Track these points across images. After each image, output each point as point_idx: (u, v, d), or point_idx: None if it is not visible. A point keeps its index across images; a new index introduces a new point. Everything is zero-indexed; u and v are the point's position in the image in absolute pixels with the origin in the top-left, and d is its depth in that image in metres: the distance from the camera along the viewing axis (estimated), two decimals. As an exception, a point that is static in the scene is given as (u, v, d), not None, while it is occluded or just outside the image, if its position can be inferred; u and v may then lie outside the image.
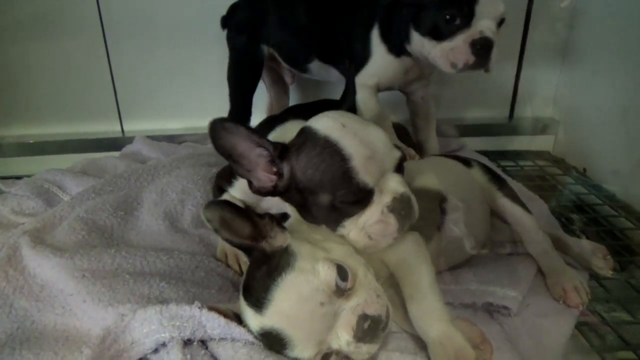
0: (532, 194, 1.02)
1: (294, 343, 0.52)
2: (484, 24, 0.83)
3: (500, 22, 0.86)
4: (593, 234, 0.94)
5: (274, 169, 0.63)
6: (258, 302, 0.53)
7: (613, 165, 1.12)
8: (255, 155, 0.62)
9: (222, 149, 0.60)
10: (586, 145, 1.22)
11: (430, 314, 0.59)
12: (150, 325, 0.55)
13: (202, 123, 1.26)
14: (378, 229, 0.61)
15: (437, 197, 0.74)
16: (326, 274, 0.53)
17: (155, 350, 0.55)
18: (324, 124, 0.62)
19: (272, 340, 0.54)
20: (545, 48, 1.28)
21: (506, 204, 0.80)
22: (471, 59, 0.84)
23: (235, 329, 0.55)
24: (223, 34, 1.19)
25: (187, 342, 0.55)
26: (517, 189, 0.98)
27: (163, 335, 0.54)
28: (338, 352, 0.54)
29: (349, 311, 0.53)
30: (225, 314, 0.56)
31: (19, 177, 1.14)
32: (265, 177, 0.63)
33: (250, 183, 0.64)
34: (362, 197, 0.60)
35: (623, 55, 1.10)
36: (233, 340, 0.55)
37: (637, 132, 1.04)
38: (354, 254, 0.59)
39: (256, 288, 0.54)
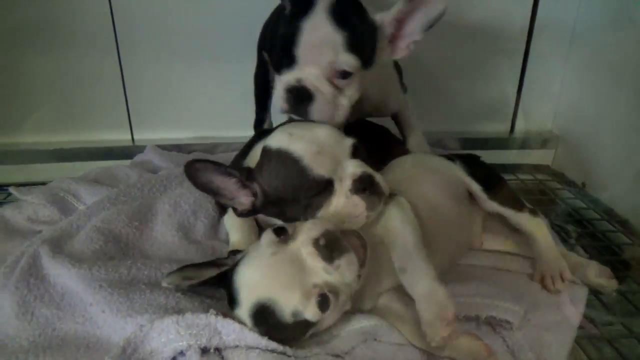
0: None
1: (276, 301, 0.56)
2: (302, 72, 0.72)
3: (346, 75, 0.73)
4: (591, 249, 0.97)
5: (247, 192, 0.70)
6: (235, 298, 0.60)
7: (612, 180, 1.14)
8: (231, 184, 0.69)
9: (202, 187, 0.69)
10: (585, 160, 1.25)
11: (416, 272, 0.63)
12: (168, 334, 0.58)
13: (210, 133, 1.32)
14: (347, 212, 0.67)
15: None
16: (266, 236, 0.60)
17: (173, 359, 0.58)
18: (276, 138, 0.69)
19: (262, 317, 0.58)
20: (546, 65, 1.32)
21: (496, 208, 0.83)
22: (284, 105, 0.75)
23: (249, 334, 0.58)
24: (232, 46, 1.23)
25: (204, 350, 0.57)
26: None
27: (181, 343, 0.57)
28: (328, 285, 0.57)
29: (303, 244, 0.58)
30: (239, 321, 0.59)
31: (32, 184, 1.18)
32: (246, 201, 0.70)
33: (234, 209, 0.71)
34: (323, 188, 0.66)
35: (622, 71, 1.12)
36: (248, 348, 0.57)
37: (635, 148, 1.07)
38: None
39: (229, 292, 0.61)
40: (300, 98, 0.73)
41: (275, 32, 0.78)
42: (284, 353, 0.58)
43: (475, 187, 0.84)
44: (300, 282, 0.56)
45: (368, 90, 0.81)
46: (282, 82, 0.74)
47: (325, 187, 0.66)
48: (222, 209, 0.89)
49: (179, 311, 0.63)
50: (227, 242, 0.84)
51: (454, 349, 0.63)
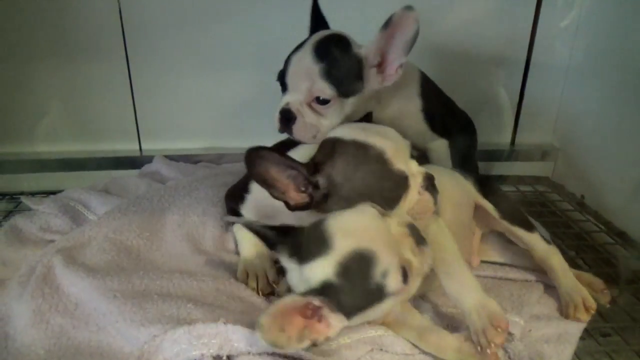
0: (534, 220, 1.06)
1: (378, 256, 0.55)
2: (290, 97, 0.82)
3: (324, 101, 0.80)
4: (590, 261, 0.99)
5: (304, 188, 0.70)
6: (322, 245, 0.57)
7: (611, 193, 1.16)
8: (286, 177, 0.69)
9: (257, 176, 0.68)
10: (585, 172, 1.27)
11: (464, 286, 0.67)
12: (180, 344, 0.60)
13: (217, 143, 1.34)
14: (420, 207, 0.71)
15: None
16: (363, 204, 0.62)
17: (186, 369, 0.60)
18: (345, 131, 0.72)
19: (355, 269, 0.55)
20: (547, 79, 1.34)
21: (507, 227, 0.85)
22: (278, 125, 0.83)
23: (260, 340, 0.59)
24: (239, 58, 1.26)
25: (216, 358, 0.59)
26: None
27: (193, 353, 0.59)
28: (410, 265, 0.59)
29: (395, 225, 0.61)
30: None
31: (41, 193, 1.20)
32: (298, 197, 0.71)
33: (287, 203, 0.71)
34: (402, 184, 0.70)
35: (621, 85, 1.15)
36: (260, 354, 0.59)
37: (634, 161, 1.09)
38: None
39: (311, 240, 0.59)
40: (287, 118, 0.82)
41: None
42: (300, 357, 0.59)
43: (489, 206, 0.86)
44: (398, 249, 0.58)
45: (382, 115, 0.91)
46: (279, 105, 0.83)
47: (405, 182, 0.70)
48: (232, 214, 0.89)
49: (191, 321, 0.64)
50: (235, 252, 0.86)
51: (462, 353, 0.65)
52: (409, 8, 0.77)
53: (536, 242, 0.83)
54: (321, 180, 0.70)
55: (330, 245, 0.56)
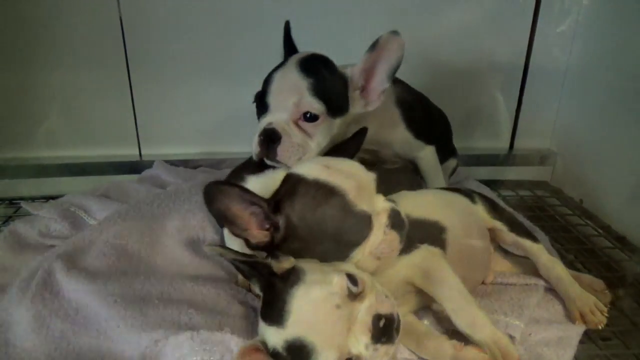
0: (533, 225, 1.07)
1: (316, 349, 0.55)
2: (273, 116, 0.78)
3: (312, 118, 0.78)
4: (589, 265, 0.99)
5: (267, 225, 0.66)
6: (278, 318, 0.57)
7: (609, 197, 1.17)
8: (248, 214, 0.65)
9: (216, 212, 0.63)
10: (583, 176, 1.27)
11: (474, 322, 0.66)
12: (182, 350, 0.60)
13: (216, 149, 1.35)
14: (384, 247, 0.66)
15: (437, 228, 0.78)
16: (338, 279, 0.57)
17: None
18: (308, 169, 0.67)
19: (296, 352, 0.56)
20: (545, 83, 1.35)
21: (514, 239, 0.85)
22: (258, 149, 0.78)
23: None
24: (237, 64, 1.27)
25: (216, 367, 0.60)
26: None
27: (195, 358, 0.59)
28: (358, 358, 0.57)
29: (363, 313, 0.57)
30: (256, 348, 0.59)
31: (41, 198, 1.20)
32: (260, 234, 0.66)
33: (247, 241, 0.66)
34: (364, 226, 0.65)
35: (618, 91, 1.16)
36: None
37: (632, 166, 1.10)
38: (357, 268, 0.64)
39: (273, 306, 0.58)
40: (270, 139, 0.76)
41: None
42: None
43: (497, 223, 0.86)
44: (342, 344, 0.56)
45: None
46: (257, 129, 0.79)
47: (367, 224, 0.65)
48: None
49: (192, 327, 0.65)
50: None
51: None
52: (395, 33, 0.76)
53: (542, 252, 0.83)
54: (280, 220, 0.65)
55: (284, 322, 0.57)
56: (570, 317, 0.78)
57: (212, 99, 1.30)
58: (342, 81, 0.81)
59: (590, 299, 0.78)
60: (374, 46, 0.78)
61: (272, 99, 0.78)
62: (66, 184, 1.26)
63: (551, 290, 0.84)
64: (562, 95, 1.35)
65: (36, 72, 1.22)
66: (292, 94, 0.76)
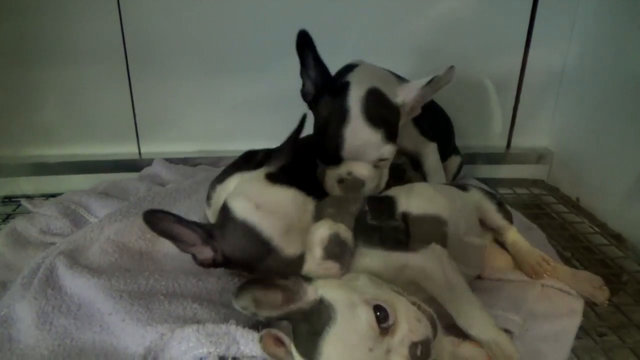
0: (530, 222, 1.08)
1: None
2: (352, 167, 0.82)
3: (384, 159, 0.84)
4: (586, 262, 1.00)
5: (209, 246, 0.68)
6: (309, 355, 0.55)
7: (605, 195, 1.18)
8: (188, 235, 0.67)
9: (161, 233, 0.66)
10: (580, 175, 1.29)
11: (477, 323, 0.67)
12: (188, 342, 0.61)
13: (215, 147, 1.35)
14: (322, 274, 0.65)
15: (438, 222, 0.78)
16: (367, 318, 0.54)
17: (192, 368, 0.61)
18: (240, 205, 0.65)
19: None
20: (542, 83, 1.36)
21: (502, 222, 0.90)
22: (337, 191, 0.83)
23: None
24: (237, 62, 1.27)
25: (222, 359, 0.60)
26: (516, 217, 1.06)
27: (201, 350, 0.60)
28: None
29: (398, 346, 0.54)
30: (279, 339, 0.58)
31: (40, 196, 1.20)
32: (205, 250, 0.68)
33: (194, 257, 0.69)
34: (294, 265, 0.65)
35: (614, 91, 1.17)
36: (264, 358, 0.60)
37: (627, 165, 1.11)
38: (381, 281, 0.63)
39: (305, 347, 0.56)
40: (353, 187, 0.82)
41: (319, 138, 0.85)
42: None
43: (488, 206, 0.89)
44: None
45: None
46: (331, 173, 0.83)
47: (297, 262, 0.66)
48: None
49: (197, 321, 0.65)
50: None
51: (456, 357, 0.66)
52: (452, 68, 0.82)
53: (511, 230, 0.91)
54: (216, 246, 0.67)
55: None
56: (526, 274, 0.86)
57: (211, 97, 1.31)
58: (397, 113, 0.85)
59: (539, 255, 0.87)
60: (430, 82, 0.82)
61: (347, 155, 0.81)
62: (65, 181, 1.26)
63: (548, 286, 0.85)
64: (559, 94, 1.37)
65: (35, 69, 1.22)
66: (371, 150, 0.80)
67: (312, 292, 0.58)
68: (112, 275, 0.75)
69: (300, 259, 0.66)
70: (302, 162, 0.79)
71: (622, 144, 1.14)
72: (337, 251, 0.66)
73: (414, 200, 0.79)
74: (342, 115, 0.79)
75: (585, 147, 1.28)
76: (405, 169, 1.10)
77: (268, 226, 0.63)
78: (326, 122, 0.81)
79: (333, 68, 0.89)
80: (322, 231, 0.67)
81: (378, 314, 0.55)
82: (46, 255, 0.81)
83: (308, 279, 0.60)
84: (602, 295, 0.83)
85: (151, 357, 0.60)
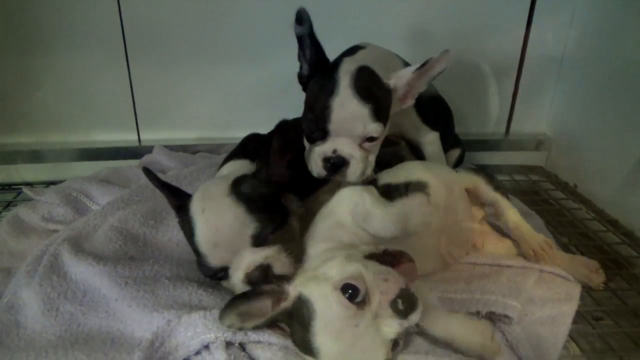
0: (528, 208, 1.09)
1: None
2: (337, 144, 0.79)
3: (373, 138, 0.81)
4: (583, 248, 1.02)
5: None
6: (310, 352, 0.59)
7: (602, 182, 1.19)
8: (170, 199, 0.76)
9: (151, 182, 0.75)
10: (577, 162, 1.30)
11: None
12: (195, 328, 0.62)
13: (215, 134, 1.35)
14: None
15: (419, 184, 0.83)
16: (339, 302, 0.57)
17: (197, 353, 0.62)
18: (195, 201, 0.70)
19: None
20: (541, 69, 1.36)
21: (495, 197, 0.90)
22: (322, 172, 0.81)
23: (272, 334, 0.62)
24: (236, 50, 1.27)
25: (228, 344, 0.61)
26: (514, 203, 1.06)
27: (208, 336, 0.61)
28: (401, 338, 0.60)
29: (380, 310, 0.58)
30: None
31: (40, 183, 1.20)
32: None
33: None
34: (218, 274, 0.69)
35: (612, 79, 1.17)
36: (270, 344, 0.61)
37: (624, 152, 1.12)
38: (349, 255, 0.65)
39: (302, 344, 0.60)
40: (337, 165, 0.80)
41: (307, 112, 0.83)
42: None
43: (478, 179, 0.91)
44: (381, 348, 0.58)
45: None
46: (317, 152, 0.80)
47: (219, 272, 0.69)
48: None
49: (203, 307, 0.66)
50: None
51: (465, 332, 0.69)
52: (447, 51, 0.80)
53: (508, 207, 0.90)
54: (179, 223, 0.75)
55: (318, 356, 0.59)
56: (526, 257, 0.87)
57: (210, 84, 1.30)
58: (388, 95, 0.83)
59: (540, 237, 0.87)
60: (423, 65, 0.81)
61: (334, 127, 0.79)
62: (64, 168, 1.26)
63: (547, 271, 0.86)
64: (558, 81, 1.37)
65: (34, 56, 1.21)
66: (357, 124, 0.78)
67: (293, 290, 0.62)
68: (117, 262, 0.75)
69: (224, 272, 0.69)
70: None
71: (620, 131, 1.14)
72: (259, 278, 0.67)
73: (394, 174, 0.85)
74: (331, 87, 0.78)
75: (583, 133, 1.29)
76: (404, 155, 1.11)
77: (200, 232, 0.68)
78: (315, 96, 0.81)
79: (331, 52, 0.88)
80: (250, 259, 0.67)
81: (350, 291, 0.58)
82: (50, 243, 0.82)
83: (287, 278, 0.64)
84: (598, 278, 0.84)
85: (158, 342, 0.61)
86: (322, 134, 0.80)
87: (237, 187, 0.70)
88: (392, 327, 0.58)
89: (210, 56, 1.27)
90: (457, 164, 1.21)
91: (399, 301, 0.58)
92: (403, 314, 0.58)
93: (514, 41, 1.33)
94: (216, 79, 1.30)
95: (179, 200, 0.74)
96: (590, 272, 0.84)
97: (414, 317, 0.59)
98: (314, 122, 0.80)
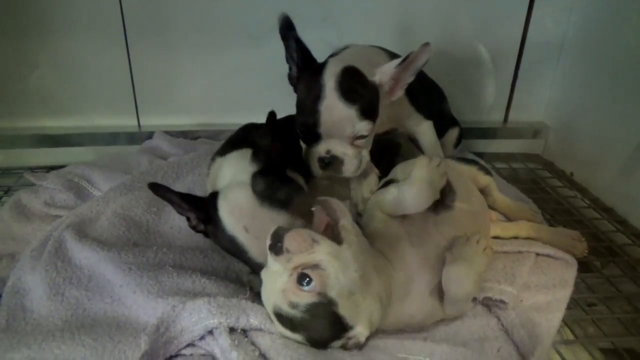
0: (525, 196, 1.10)
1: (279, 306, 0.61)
2: (329, 144, 0.83)
3: (362, 136, 0.84)
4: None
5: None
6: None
7: (598, 170, 1.20)
8: (186, 209, 0.74)
9: (163, 198, 0.74)
10: (574, 150, 1.31)
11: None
12: (199, 314, 0.63)
13: (214, 120, 1.35)
14: None
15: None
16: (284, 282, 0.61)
17: (201, 338, 0.63)
18: (230, 220, 0.70)
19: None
20: (541, 58, 1.36)
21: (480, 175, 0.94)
22: (319, 171, 0.86)
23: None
24: (235, 35, 1.26)
25: (231, 330, 0.63)
26: (512, 191, 1.08)
27: (212, 321, 0.62)
28: (300, 265, 0.60)
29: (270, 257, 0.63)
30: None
31: (40, 168, 1.21)
32: (199, 226, 0.75)
33: (188, 220, 0.76)
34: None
35: (610, 68, 1.18)
36: (270, 332, 0.63)
37: (620, 141, 1.13)
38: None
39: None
40: (332, 164, 0.84)
41: (298, 116, 0.86)
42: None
43: (474, 170, 0.93)
44: (276, 287, 0.61)
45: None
46: (312, 152, 0.85)
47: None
48: None
49: (206, 294, 0.68)
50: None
51: None
52: (426, 44, 0.82)
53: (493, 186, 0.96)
54: (209, 231, 0.75)
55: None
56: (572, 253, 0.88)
57: (211, 69, 1.30)
58: (374, 91, 0.85)
59: (525, 207, 0.98)
60: (404, 60, 0.82)
61: (324, 131, 0.82)
62: (63, 153, 1.26)
63: (542, 254, 0.88)
64: (557, 69, 1.37)
65: (32, 40, 1.20)
66: (345, 126, 0.81)
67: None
68: (121, 248, 0.76)
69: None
70: (286, 143, 0.81)
71: (618, 120, 1.15)
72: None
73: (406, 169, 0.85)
74: (317, 92, 0.81)
75: (581, 122, 1.30)
76: (401, 143, 1.12)
77: (253, 250, 0.70)
78: (303, 100, 0.84)
79: (325, 42, 0.90)
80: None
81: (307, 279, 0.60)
82: (54, 228, 0.83)
83: None
84: (581, 246, 0.89)
85: (164, 327, 0.62)
86: (314, 137, 0.84)
87: (262, 192, 0.72)
88: (277, 264, 0.61)
89: (211, 40, 1.27)
90: (457, 144, 1.23)
91: (271, 241, 0.62)
92: (276, 250, 0.62)
93: (514, 28, 1.33)
94: (217, 63, 1.29)
95: (200, 211, 0.73)
96: (573, 240, 0.89)
97: (287, 244, 0.61)
98: (306, 126, 0.83)
